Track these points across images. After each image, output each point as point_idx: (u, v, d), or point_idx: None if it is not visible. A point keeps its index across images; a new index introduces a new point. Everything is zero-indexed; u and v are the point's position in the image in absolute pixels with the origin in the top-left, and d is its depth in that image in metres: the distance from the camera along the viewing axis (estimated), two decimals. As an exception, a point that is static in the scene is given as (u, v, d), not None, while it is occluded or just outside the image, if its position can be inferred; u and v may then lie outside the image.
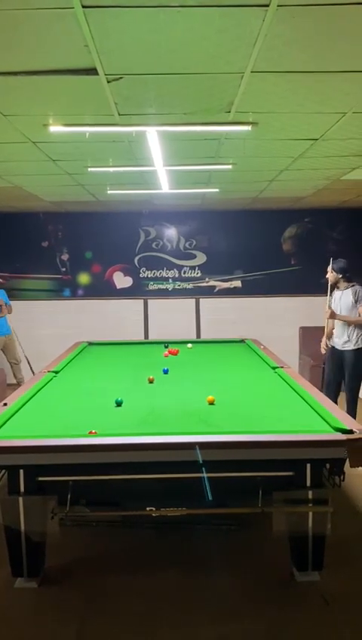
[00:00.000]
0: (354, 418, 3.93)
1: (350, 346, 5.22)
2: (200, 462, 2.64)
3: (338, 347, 5.32)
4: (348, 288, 5.27)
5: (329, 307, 5.36)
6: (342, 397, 5.34)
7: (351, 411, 5.17)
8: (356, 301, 5.20)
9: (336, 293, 5.38)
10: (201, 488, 2.77)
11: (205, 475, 2.69)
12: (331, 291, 5.42)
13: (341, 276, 5.28)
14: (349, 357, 5.23)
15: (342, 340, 5.29)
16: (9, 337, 7.07)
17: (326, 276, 5.33)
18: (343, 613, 2.77)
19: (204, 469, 2.68)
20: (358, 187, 6.01)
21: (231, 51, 2.37)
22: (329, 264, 5.31)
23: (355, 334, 5.20)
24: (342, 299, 5.31)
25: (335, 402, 5.23)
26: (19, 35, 2.19)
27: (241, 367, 4.86)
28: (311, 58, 2.46)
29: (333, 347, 5.38)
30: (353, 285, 5.28)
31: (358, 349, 5.19)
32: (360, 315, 5.16)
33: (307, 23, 2.11)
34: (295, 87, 2.82)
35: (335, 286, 5.38)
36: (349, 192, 6.41)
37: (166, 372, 4.40)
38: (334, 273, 5.28)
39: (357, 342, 5.20)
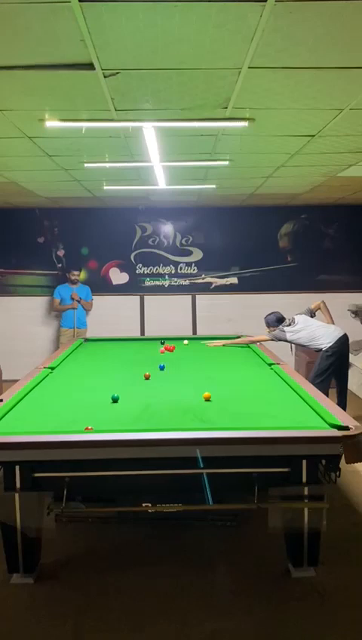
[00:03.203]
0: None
1: None
2: (201, 465, 2.65)
3: None
4: None
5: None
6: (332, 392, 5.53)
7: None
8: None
9: None
10: (197, 484, 2.78)
11: (203, 472, 2.70)
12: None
13: (276, 326, 5.53)
14: None
15: None
16: (84, 331, 7.43)
17: (267, 333, 5.62)
18: (338, 608, 2.78)
19: (201, 466, 2.68)
20: (355, 184, 6.01)
21: (228, 47, 2.36)
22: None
23: (317, 344, 5.44)
24: None
25: (339, 395, 5.53)
26: (15, 29, 2.18)
27: (237, 363, 4.86)
28: (309, 54, 2.45)
29: None
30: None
31: (320, 349, 5.45)
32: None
33: (304, 19, 2.10)
34: (292, 83, 2.81)
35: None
36: (346, 189, 6.41)
37: (162, 368, 4.40)
38: (270, 328, 5.60)
39: (320, 346, 5.45)
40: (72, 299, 7.47)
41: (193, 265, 8.16)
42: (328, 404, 3.25)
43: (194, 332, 8.05)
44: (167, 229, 8.12)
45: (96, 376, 4.28)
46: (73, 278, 7.58)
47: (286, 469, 2.80)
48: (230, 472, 2.78)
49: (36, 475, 2.78)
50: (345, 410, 3.42)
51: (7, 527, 2.84)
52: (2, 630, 2.65)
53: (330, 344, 5.35)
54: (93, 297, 7.74)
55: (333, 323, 5.61)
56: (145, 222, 8.08)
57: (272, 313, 5.68)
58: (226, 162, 4.75)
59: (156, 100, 3.08)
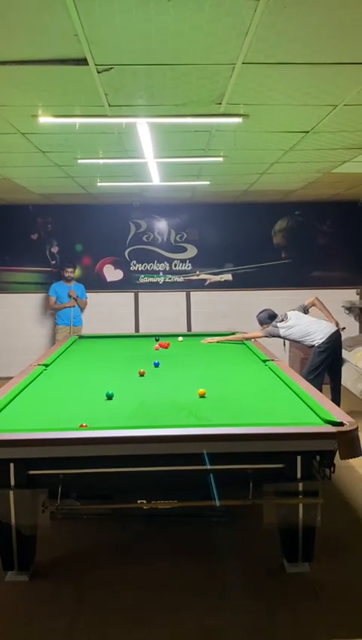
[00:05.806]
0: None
1: None
2: (207, 464, 2.65)
3: None
4: None
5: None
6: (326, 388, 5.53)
7: None
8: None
9: None
10: (192, 481, 2.78)
11: (198, 468, 2.70)
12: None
13: (269, 323, 5.57)
14: None
15: None
16: (80, 328, 7.49)
17: (261, 329, 5.64)
18: (332, 603, 2.79)
19: (207, 464, 2.68)
20: (348, 180, 6.01)
21: (223, 42, 2.35)
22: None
23: (310, 340, 5.45)
24: None
25: (333, 391, 5.55)
26: (8, 24, 2.16)
27: (232, 360, 4.86)
28: (303, 50, 2.45)
29: None
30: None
31: (313, 346, 5.47)
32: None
33: (299, 14, 2.10)
34: (286, 78, 2.81)
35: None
36: (339, 185, 6.41)
37: (157, 365, 4.39)
38: (263, 325, 5.62)
39: (312, 342, 5.47)
40: (70, 296, 7.47)
41: (187, 262, 8.15)
42: (322, 400, 3.26)
43: (189, 329, 8.05)
44: (162, 225, 8.10)
45: (91, 374, 4.28)
46: (68, 275, 7.57)
47: (280, 465, 2.81)
48: (225, 469, 2.77)
49: (31, 472, 2.77)
50: (339, 406, 3.43)
51: (2, 524, 2.83)
52: (-3, 628, 2.65)
53: (323, 340, 5.37)
54: (87, 294, 7.73)
55: (332, 317, 5.62)
56: (139, 218, 8.06)
57: (264, 311, 5.70)
58: (220, 159, 4.74)
59: (150, 96, 3.07)
